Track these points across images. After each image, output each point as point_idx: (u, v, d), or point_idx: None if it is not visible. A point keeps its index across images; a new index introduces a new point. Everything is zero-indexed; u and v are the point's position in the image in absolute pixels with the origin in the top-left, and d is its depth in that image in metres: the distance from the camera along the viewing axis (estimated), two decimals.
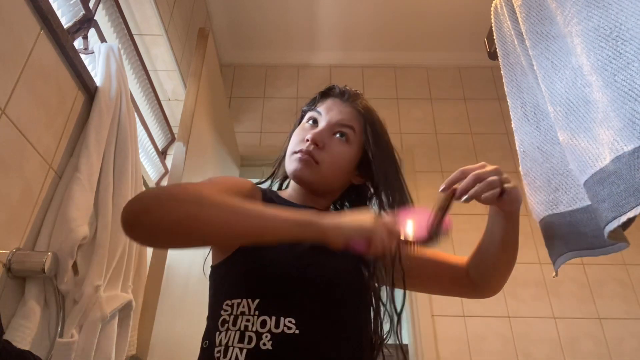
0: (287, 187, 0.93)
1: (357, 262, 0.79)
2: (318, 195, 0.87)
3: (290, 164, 0.83)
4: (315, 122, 0.86)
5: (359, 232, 0.62)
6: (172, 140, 2.23)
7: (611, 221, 0.61)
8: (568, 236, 0.85)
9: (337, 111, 0.85)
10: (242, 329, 0.66)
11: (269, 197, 0.83)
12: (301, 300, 0.69)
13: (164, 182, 2.12)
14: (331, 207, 0.92)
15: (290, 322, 0.65)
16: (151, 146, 2.01)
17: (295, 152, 0.82)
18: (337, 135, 0.83)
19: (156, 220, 0.56)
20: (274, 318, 0.66)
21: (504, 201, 0.74)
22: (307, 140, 0.81)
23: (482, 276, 0.85)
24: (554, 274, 0.93)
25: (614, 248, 0.79)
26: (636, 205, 0.56)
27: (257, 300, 0.68)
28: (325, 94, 0.91)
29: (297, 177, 0.82)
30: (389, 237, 0.64)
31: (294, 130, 0.90)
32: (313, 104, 0.91)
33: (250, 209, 0.61)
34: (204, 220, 0.58)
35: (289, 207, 0.66)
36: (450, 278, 0.88)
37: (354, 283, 0.76)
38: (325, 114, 0.85)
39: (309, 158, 0.80)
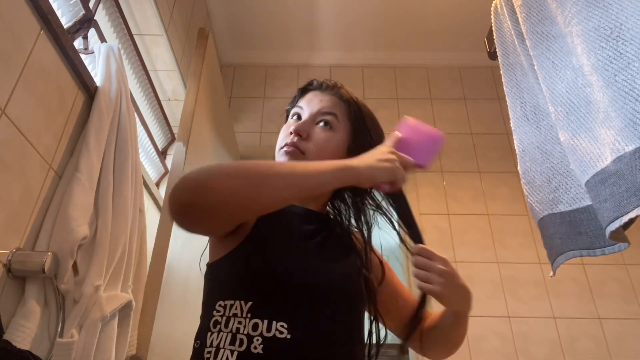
0: None
1: (357, 268, 0.78)
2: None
3: (278, 158, 0.84)
4: (299, 117, 0.87)
5: (385, 175, 0.69)
6: (172, 140, 2.23)
7: (613, 221, 0.61)
8: (567, 236, 0.85)
9: (318, 101, 0.87)
10: (233, 331, 0.65)
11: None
12: (295, 305, 0.68)
13: (164, 182, 2.12)
14: (328, 207, 0.90)
15: (282, 326, 0.65)
16: (151, 146, 2.01)
17: (282, 148, 0.83)
18: (321, 124, 0.84)
19: (207, 199, 0.60)
20: (265, 322, 0.65)
21: (446, 300, 0.76)
22: (291, 133, 0.83)
23: (426, 345, 0.87)
24: (552, 273, 0.93)
25: (614, 248, 0.79)
26: (638, 205, 0.56)
27: (250, 303, 0.67)
28: (305, 89, 0.93)
29: None
30: (404, 170, 0.71)
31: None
32: (294, 101, 0.93)
33: (296, 168, 0.67)
34: (255, 189, 0.62)
35: (319, 164, 0.69)
36: (405, 322, 0.87)
37: (351, 290, 0.76)
38: (307, 106, 0.87)
39: (294, 149, 0.81)
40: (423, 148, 0.77)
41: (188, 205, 0.62)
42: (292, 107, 0.92)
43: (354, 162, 0.69)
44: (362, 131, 0.87)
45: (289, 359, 0.64)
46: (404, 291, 0.92)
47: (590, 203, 0.79)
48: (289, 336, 0.64)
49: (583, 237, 0.81)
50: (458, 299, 0.77)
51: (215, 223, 0.67)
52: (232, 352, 0.63)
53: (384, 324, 0.86)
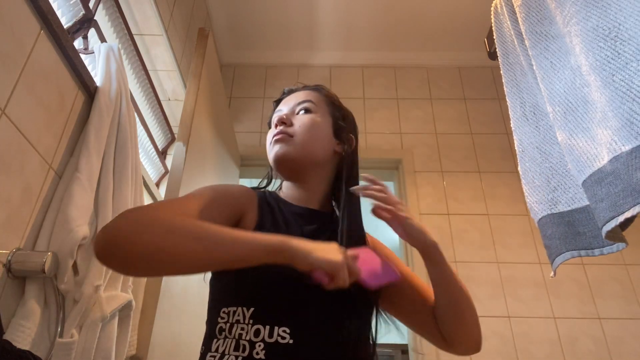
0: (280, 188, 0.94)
1: None
2: (309, 184, 0.86)
3: (271, 152, 0.85)
4: (272, 122, 0.92)
5: (325, 265, 0.61)
6: (172, 140, 2.23)
7: (609, 221, 0.61)
8: (566, 236, 0.85)
9: (293, 97, 0.92)
10: (237, 337, 0.66)
11: (268, 201, 0.82)
12: (296, 309, 0.68)
13: (164, 182, 2.12)
14: (333, 205, 0.90)
15: (284, 331, 0.65)
16: (151, 146, 2.01)
17: (270, 142, 0.86)
18: (301, 112, 0.88)
19: (125, 253, 0.55)
20: (267, 327, 0.65)
21: (407, 233, 0.78)
22: (276, 125, 0.86)
23: (445, 326, 0.82)
24: (552, 274, 0.93)
25: (612, 248, 0.79)
26: (634, 205, 0.56)
27: (251, 309, 0.67)
28: (279, 99, 0.97)
29: (280, 157, 0.84)
30: (348, 276, 0.63)
31: None
32: (273, 112, 0.97)
33: (220, 236, 0.59)
34: (170, 252, 0.56)
35: (259, 234, 0.63)
36: (425, 317, 0.85)
37: (352, 291, 0.75)
38: (284, 106, 0.91)
39: (283, 135, 0.84)
40: (375, 272, 0.70)
41: (107, 255, 0.56)
42: (272, 115, 0.95)
43: (296, 244, 0.62)
44: (340, 115, 0.92)
45: None
46: (415, 281, 0.89)
47: (588, 203, 0.79)
48: (291, 341, 0.64)
49: (582, 237, 0.81)
50: (418, 232, 0.78)
51: (147, 275, 0.68)
52: (236, 357, 0.63)
53: (405, 322, 0.86)
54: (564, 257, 0.85)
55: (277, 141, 0.84)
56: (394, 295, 0.84)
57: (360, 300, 0.75)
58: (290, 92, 0.95)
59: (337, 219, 0.85)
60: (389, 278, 0.69)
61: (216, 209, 0.71)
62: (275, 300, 0.69)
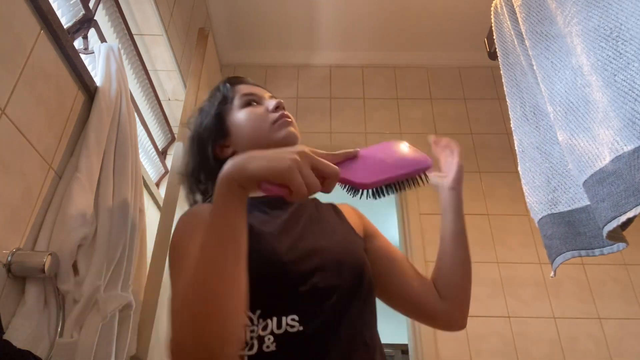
0: None
1: (355, 237, 0.77)
2: None
3: (280, 131, 0.84)
4: (254, 101, 0.90)
5: (267, 175, 0.52)
6: (172, 140, 2.23)
7: (610, 221, 0.61)
8: (566, 236, 0.85)
9: (258, 89, 0.94)
10: (246, 339, 0.63)
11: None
12: (301, 294, 0.65)
13: (164, 182, 2.12)
14: None
15: (293, 319, 0.63)
16: (151, 146, 2.01)
17: (275, 121, 0.84)
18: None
19: (196, 341, 0.50)
20: (275, 319, 0.63)
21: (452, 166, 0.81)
22: (276, 107, 0.86)
23: (444, 285, 0.83)
24: (552, 273, 0.93)
25: (613, 248, 0.79)
26: (636, 205, 0.56)
27: (258, 311, 0.65)
28: (234, 82, 0.97)
29: (293, 138, 0.84)
30: (309, 175, 0.52)
31: (209, 122, 0.92)
32: (227, 90, 0.95)
33: (210, 244, 0.53)
34: (214, 298, 0.51)
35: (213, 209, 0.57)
36: (416, 290, 0.83)
37: (354, 264, 0.72)
38: (256, 92, 0.91)
39: (292, 119, 0.86)
40: (378, 167, 0.60)
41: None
42: (228, 98, 0.93)
43: (227, 168, 0.54)
44: None
45: (306, 352, 0.61)
46: (396, 254, 0.87)
47: (588, 203, 0.79)
48: (301, 328, 0.62)
49: (582, 238, 0.81)
50: (459, 172, 0.87)
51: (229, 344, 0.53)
52: (241, 357, 0.61)
53: (389, 303, 0.84)
54: (564, 257, 0.85)
55: (289, 123, 0.85)
56: (385, 272, 0.83)
57: (364, 262, 0.74)
58: (244, 80, 0.98)
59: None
60: (405, 168, 0.58)
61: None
62: (277, 291, 0.66)
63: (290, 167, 0.51)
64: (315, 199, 0.90)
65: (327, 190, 0.55)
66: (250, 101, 0.89)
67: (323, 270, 0.68)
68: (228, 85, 0.94)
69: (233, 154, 0.87)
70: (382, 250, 0.86)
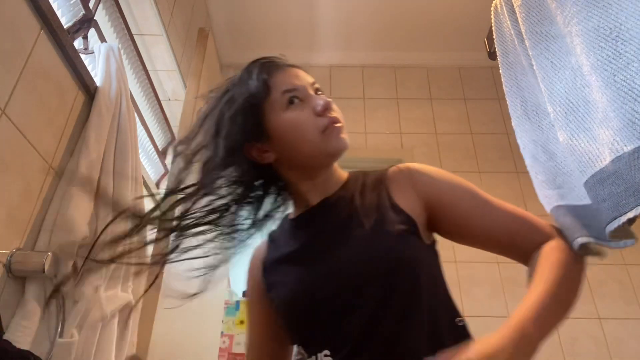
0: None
1: (387, 233, 0.67)
2: (325, 171, 0.80)
3: (331, 140, 0.74)
4: (296, 98, 0.76)
5: None
6: (172, 140, 2.23)
7: (612, 221, 0.61)
8: (574, 226, 0.84)
9: (301, 73, 0.79)
10: None
11: (269, 253, 0.81)
12: (328, 325, 0.65)
13: (164, 182, 2.12)
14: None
15: (326, 355, 0.64)
16: (151, 146, 2.01)
17: (326, 128, 0.73)
18: (319, 92, 0.79)
19: None
20: (313, 358, 0.66)
21: None
22: (324, 109, 0.74)
23: None
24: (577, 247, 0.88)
25: (620, 244, 0.77)
26: (636, 206, 0.56)
27: (296, 347, 0.71)
28: (268, 70, 0.79)
29: (344, 147, 0.75)
30: None
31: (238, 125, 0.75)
32: (262, 92, 0.77)
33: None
34: None
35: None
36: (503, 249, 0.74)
37: (379, 272, 0.65)
38: (295, 83, 0.76)
39: (341, 124, 0.75)
40: None
41: None
42: (265, 91, 0.76)
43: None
44: None
45: None
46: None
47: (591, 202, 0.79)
48: (327, 352, 0.64)
49: (589, 229, 0.80)
50: None
51: None
52: None
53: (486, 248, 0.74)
54: (577, 243, 0.81)
55: (340, 130, 0.74)
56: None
57: (401, 285, 0.64)
58: (281, 63, 0.81)
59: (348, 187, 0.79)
60: None
61: (256, 321, 0.82)
62: (303, 328, 0.69)
63: None
64: (364, 174, 0.83)
65: None
66: (293, 99, 0.75)
67: (341, 294, 0.65)
68: (265, 76, 0.77)
69: (276, 161, 0.78)
70: (451, 218, 0.74)
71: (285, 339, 0.77)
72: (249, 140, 0.77)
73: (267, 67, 0.79)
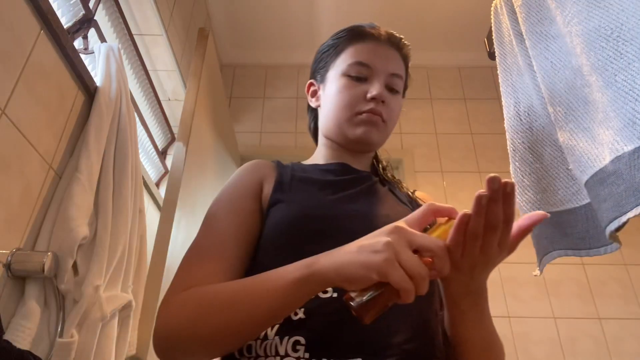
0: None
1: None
2: (362, 154, 0.79)
3: (357, 128, 0.73)
4: (362, 77, 0.76)
5: (367, 270, 0.43)
6: (172, 140, 2.23)
7: (612, 221, 0.61)
8: (553, 236, 0.86)
9: (384, 58, 0.77)
10: None
11: (286, 172, 0.73)
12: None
13: (164, 182, 2.12)
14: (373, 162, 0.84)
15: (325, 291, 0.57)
16: (151, 146, 2.01)
17: (360, 113, 0.73)
18: (392, 86, 0.77)
19: (176, 348, 0.54)
20: None
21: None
22: (373, 97, 0.72)
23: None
24: (538, 272, 0.93)
25: (600, 251, 0.79)
26: (636, 205, 0.56)
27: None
28: (360, 34, 0.79)
29: (367, 142, 0.74)
30: (410, 260, 0.42)
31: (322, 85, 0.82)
32: (342, 46, 0.80)
33: (246, 293, 0.52)
34: (211, 333, 0.52)
35: (280, 270, 0.52)
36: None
37: None
38: (373, 64, 0.75)
39: (379, 119, 0.73)
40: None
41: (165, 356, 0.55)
42: (353, 62, 0.76)
43: (321, 262, 0.48)
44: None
45: (337, 317, 0.55)
46: None
47: (577, 205, 0.80)
48: (335, 295, 0.56)
49: (569, 239, 0.81)
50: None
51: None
52: (271, 327, 0.57)
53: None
54: (551, 256, 0.86)
55: (372, 123, 0.73)
56: None
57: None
58: (378, 38, 0.79)
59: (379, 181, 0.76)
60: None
61: (233, 226, 0.64)
62: (308, 249, 0.60)
63: (386, 259, 0.42)
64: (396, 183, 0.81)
65: (441, 274, 0.45)
66: (357, 73, 0.75)
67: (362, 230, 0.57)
68: (344, 39, 0.80)
69: (317, 109, 0.84)
70: None
71: (241, 264, 0.64)
72: (314, 75, 0.86)
73: (356, 33, 0.80)
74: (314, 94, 0.86)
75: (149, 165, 2.06)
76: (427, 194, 0.84)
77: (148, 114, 1.99)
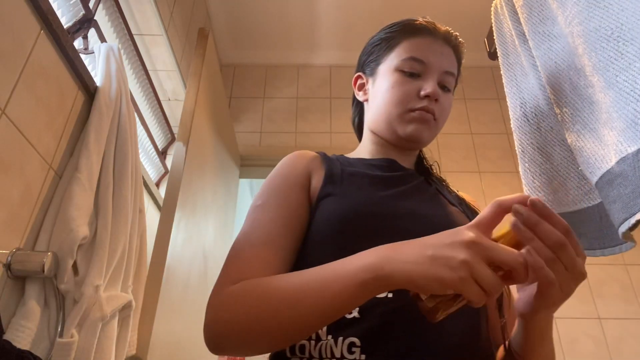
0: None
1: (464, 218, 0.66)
2: (409, 151, 0.79)
3: (408, 125, 0.72)
4: (416, 73, 0.75)
5: (443, 285, 0.42)
6: (172, 140, 2.23)
7: (623, 222, 0.61)
8: None
9: (439, 55, 0.76)
10: None
11: (335, 165, 0.72)
12: None
13: (164, 182, 2.12)
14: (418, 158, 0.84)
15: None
16: (151, 146, 2.01)
17: (412, 110, 0.72)
18: (444, 84, 0.76)
19: (234, 343, 0.52)
20: None
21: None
22: (427, 95, 0.71)
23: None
24: None
25: (615, 250, 0.78)
26: None
27: None
28: (414, 29, 0.79)
29: (416, 139, 0.73)
30: (486, 276, 0.41)
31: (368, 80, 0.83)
32: (394, 41, 0.79)
33: (305, 290, 0.50)
34: (267, 331, 0.50)
35: (338, 269, 0.50)
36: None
37: None
38: (428, 61, 0.74)
39: (431, 116, 0.72)
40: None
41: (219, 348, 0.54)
42: (407, 58, 0.75)
43: (389, 267, 0.46)
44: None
45: (391, 318, 0.54)
46: None
47: (589, 205, 0.79)
48: (390, 295, 0.56)
49: (583, 239, 0.81)
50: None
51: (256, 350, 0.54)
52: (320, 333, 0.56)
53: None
54: None
55: (424, 121, 0.72)
56: None
57: None
58: (434, 33, 0.78)
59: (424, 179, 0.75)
60: None
61: (283, 218, 0.63)
62: (365, 244, 0.59)
63: (462, 278, 0.41)
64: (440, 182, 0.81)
65: (517, 282, 0.45)
66: (410, 68, 0.74)
67: (415, 231, 0.57)
68: (398, 32, 0.80)
69: (363, 103, 0.85)
70: None
71: (289, 257, 0.63)
72: (363, 67, 0.86)
73: (410, 28, 0.81)
74: (361, 87, 0.86)
75: (149, 165, 2.06)
76: (468, 195, 0.83)
77: (148, 114, 1.99)
